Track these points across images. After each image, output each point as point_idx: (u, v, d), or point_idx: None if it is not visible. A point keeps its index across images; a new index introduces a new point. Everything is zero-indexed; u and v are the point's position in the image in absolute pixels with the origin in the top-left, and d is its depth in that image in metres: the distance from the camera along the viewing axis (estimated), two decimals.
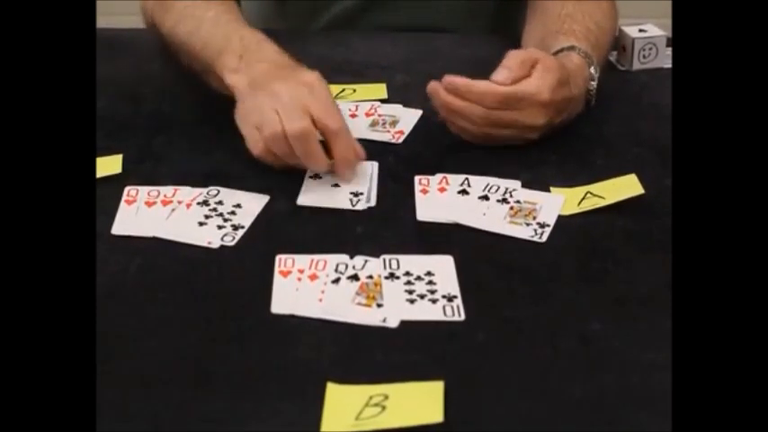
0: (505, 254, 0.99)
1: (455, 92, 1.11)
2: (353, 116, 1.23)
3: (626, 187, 1.06)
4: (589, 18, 1.27)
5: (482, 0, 1.49)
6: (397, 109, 1.25)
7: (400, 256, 0.96)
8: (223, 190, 1.07)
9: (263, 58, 1.15)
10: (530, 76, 1.11)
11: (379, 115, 1.24)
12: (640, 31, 1.37)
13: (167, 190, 1.07)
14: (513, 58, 1.12)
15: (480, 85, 1.11)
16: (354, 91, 1.29)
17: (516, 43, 1.30)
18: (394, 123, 1.22)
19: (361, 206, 1.06)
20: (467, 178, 1.09)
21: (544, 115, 1.12)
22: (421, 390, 0.80)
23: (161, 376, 0.84)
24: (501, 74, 1.11)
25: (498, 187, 1.08)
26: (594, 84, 1.20)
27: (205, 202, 1.05)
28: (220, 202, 1.05)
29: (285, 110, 1.05)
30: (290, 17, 1.51)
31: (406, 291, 0.92)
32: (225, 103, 1.14)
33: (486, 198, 1.07)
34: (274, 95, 1.07)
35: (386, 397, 0.79)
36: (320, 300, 0.91)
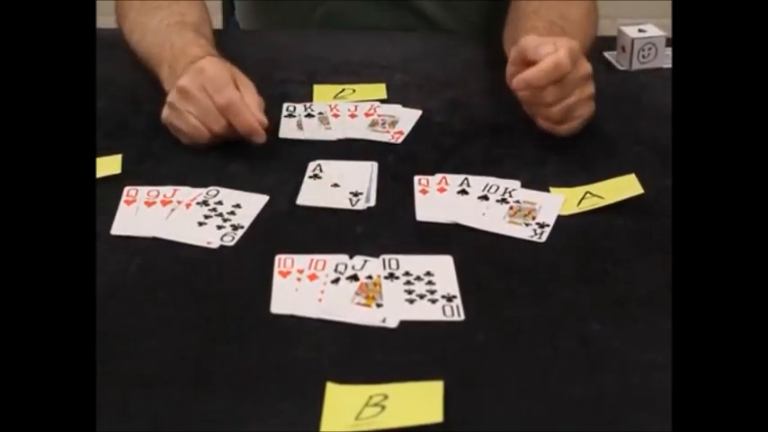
0: (505, 254, 0.99)
1: (525, 87, 1.11)
2: (353, 116, 1.23)
3: (626, 187, 1.06)
4: (554, 12, 1.28)
5: (474, 0, 1.49)
6: (396, 109, 1.25)
7: (400, 256, 0.96)
8: (223, 190, 1.07)
9: (186, 63, 1.17)
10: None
11: (379, 115, 1.24)
12: (640, 31, 1.37)
13: (167, 190, 1.07)
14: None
15: (534, 71, 1.10)
16: (354, 91, 1.29)
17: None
18: (393, 123, 1.22)
19: (360, 206, 1.06)
20: (466, 178, 1.09)
21: (584, 61, 1.13)
22: (421, 390, 0.80)
23: (161, 376, 0.84)
24: (530, 39, 1.13)
25: (498, 187, 1.08)
26: None
27: (205, 202, 1.05)
28: (220, 202, 1.05)
29: (191, 101, 1.12)
30: (280, 17, 1.52)
31: (406, 291, 0.92)
32: None
33: (485, 198, 1.07)
34: (182, 91, 1.13)
35: (385, 397, 0.79)
36: (320, 300, 0.91)
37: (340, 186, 1.09)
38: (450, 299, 0.91)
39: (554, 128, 1.15)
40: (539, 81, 1.10)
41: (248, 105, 1.12)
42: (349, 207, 1.06)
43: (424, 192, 1.08)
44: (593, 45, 1.31)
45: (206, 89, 1.11)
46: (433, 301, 0.91)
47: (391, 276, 0.94)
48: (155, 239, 1.00)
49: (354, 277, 0.94)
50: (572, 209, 1.05)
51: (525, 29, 1.25)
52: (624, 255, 0.99)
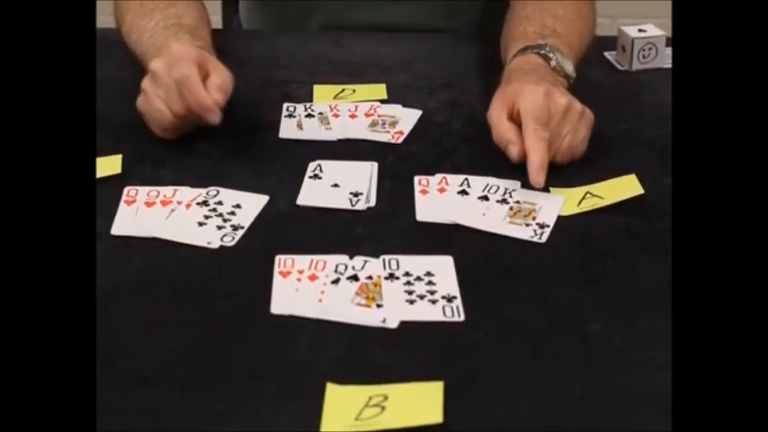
0: (505, 254, 0.99)
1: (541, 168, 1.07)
2: (353, 116, 1.23)
3: (626, 187, 1.06)
4: (548, 15, 1.28)
5: (474, 1, 1.49)
6: (396, 109, 1.25)
7: (400, 257, 0.96)
8: (223, 190, 1.07)
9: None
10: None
11: (379, 115, 1.24)
12: (640, 31, 1.37)
13: (167, 190, 1.07)
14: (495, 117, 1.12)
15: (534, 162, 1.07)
16: (354, 91, 1.29)
17: None
18: (393, 124, 1.22)
19: (360, 206, 1.06)
20: (466, 179, 1.09)
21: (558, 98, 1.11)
22: (421, 390, 0.80)
23: (161, 376, 0.84)
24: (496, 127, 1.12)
25: (498, 187, 1.08)
26: (561, 61, 1.19)
27: (204, 203, 1.05)
28: (220, 203, 1.05)
29: (158, 83, 1.13)
30: (277, 18, 1.52)
31: (406, 291, 0.92)
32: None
33: (485, 198, 1.07)
34: (152, 73, 1.14)
35: (385, 397, 0.79)
36: (320, 300, 0.91)
37: (340, 186, 1.09)
38: (450, 299, 0.91)
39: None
40: (544, 160, 1.07)
41: (207, 85, 1.11)
42: (349, 207, 1.06)
43: (424, 192, 1.08)
44: (590, 44, 1.31)
45: (170, 69, 1.11)
46: (434, 302, 0.91)
47: (391, 277, 0.94)
48: (155, 240, 1.00)
49: (354, 278, 0.94)
50: (572, 209, 1.05)
51: (516, 35, 1.26)
52: (624, 255, 0.99)
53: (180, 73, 1.10)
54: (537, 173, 1.05)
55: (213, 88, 1.11)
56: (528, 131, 1.08)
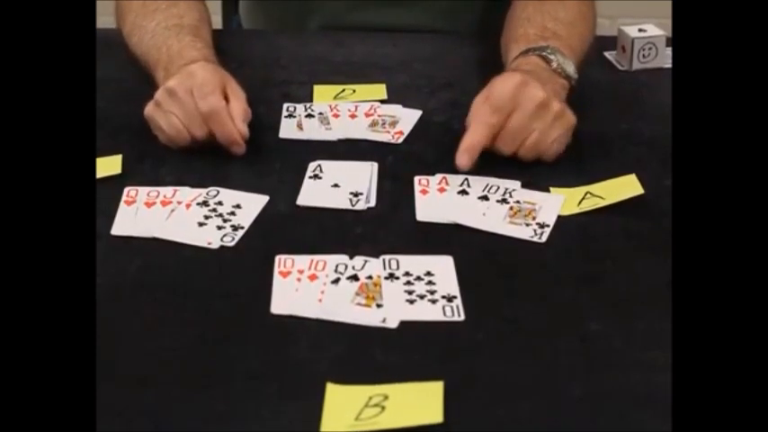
0: (505, 254, 0.99)
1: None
2: (353, 116, 1.23)
3: (626, 187, 1.06)
4: (549, 17, 1.27)
5: (469, 0, 1.49)
6: (396, 109, 1.25)
7: (400, 257, 0.96)
8: (223, 190, 1.07)
9: (180, 65, 1.17)
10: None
11: (379, 115, 1.24)
12: (640, 30, 1.37)
13: (167, 190, 1.07)
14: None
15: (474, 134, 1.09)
16: (354, 91, 1.29)
17: None
18: (393, 124, 1.22)
19: (360, 206, 1.06)
20: (466, 178, 1.09)
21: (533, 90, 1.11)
22: (421, 390, 0.80)
23: (161, 376, 0.84)
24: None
25: (498, 187, 1.08)
26: (562, 62, 1.19)
27: (205, 203, 1.05)
28: (220, 203, 1.05)
29: (177, 103, 1.12)
30: (277, 18, 1.52)
31: (406, 291, 0.92)
32: None
33: (485, 198, 1.07)
34: (170, 91, 1.13)
35: (385, 397, 0.79)
36: (320, 300, 0.91)
37: (340, 187, 1.09)
38: (450, 299, 0.91)
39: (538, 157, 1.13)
40: (474, 143, 1.08)
41: (232, 115, 1.12)
42: (349, 207, 1.06)
43: (424, 192, 1.08)
44: (591, 45, 1.31)
45: (193, 94, 1.12)
46: (434, 302, 0.91)
47: (391, 276, 0.94)
48: (155, 240, 1.00)
49: (354, 277, 0.94)
50: (572, 209, 1.05)
51: (516, 36, 1.26)
52: (624, 255, 0.99)
53: (209, 106, 1.11)
54: (461, 153, 1.07)
55: (238, 119, 1.12)
56: (477, 112, 1.09)
